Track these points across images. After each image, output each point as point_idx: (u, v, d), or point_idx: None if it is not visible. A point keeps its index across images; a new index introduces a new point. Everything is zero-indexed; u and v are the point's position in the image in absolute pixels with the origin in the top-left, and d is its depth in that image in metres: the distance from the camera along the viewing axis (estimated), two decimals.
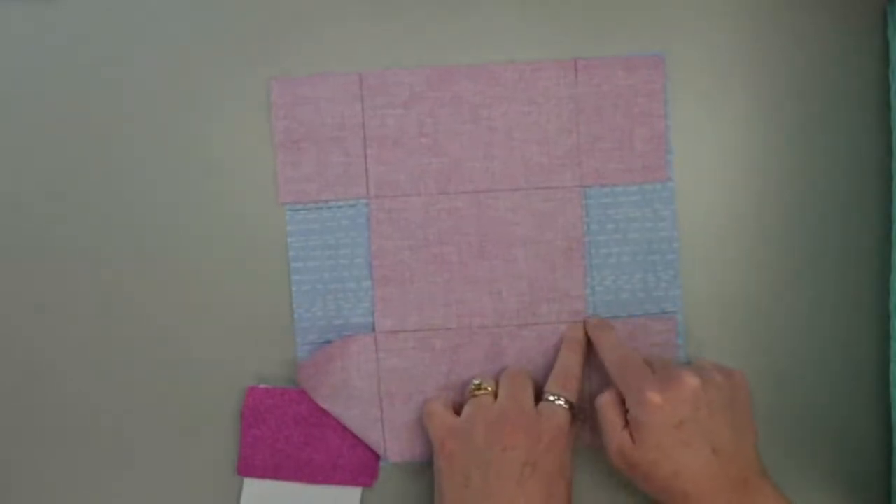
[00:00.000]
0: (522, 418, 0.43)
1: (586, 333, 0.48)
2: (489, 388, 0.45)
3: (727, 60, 0.48)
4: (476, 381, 0.46)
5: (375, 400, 0.48)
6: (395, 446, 0.48)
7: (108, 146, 0.48)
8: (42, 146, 0.48)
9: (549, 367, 0.48)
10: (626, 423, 0.42)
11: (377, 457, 0.48)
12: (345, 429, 0.47)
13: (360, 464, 0.47)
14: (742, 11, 0.48)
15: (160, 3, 0.48)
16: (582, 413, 0.47)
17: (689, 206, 0.49)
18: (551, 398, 0.44)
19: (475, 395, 0.45)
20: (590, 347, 0.47)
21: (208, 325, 0.48)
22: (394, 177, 0.48)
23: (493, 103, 0.48)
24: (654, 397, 0.41)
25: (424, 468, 0.48)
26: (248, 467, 0.47)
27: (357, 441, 0.48)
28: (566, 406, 0.44)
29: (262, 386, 0.48)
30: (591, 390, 0.48)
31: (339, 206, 0.48)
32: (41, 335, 0.48)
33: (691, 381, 0.41)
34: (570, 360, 0.46)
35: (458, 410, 0.46)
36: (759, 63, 0.48)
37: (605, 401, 0.44)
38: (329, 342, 0.48)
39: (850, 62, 0.48)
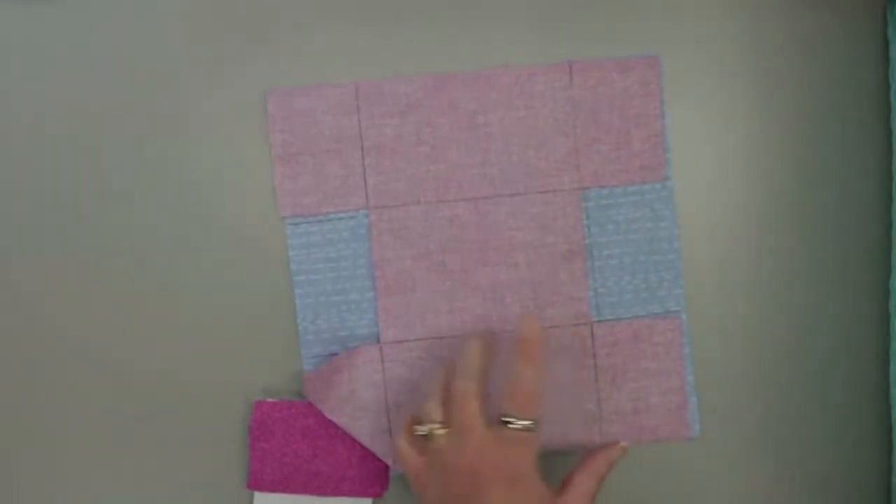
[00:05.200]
0: (491, 464, 0.39)
1: (539, 332, 0.43)
2: (437, 425, 0.41)
3: (725, 61, 0.48)
4: (423, 430, 0.41)
5: (383, 410, 0.48)
6: None
7: (107, 149, 0.48)
8: (40, 148, 0.48)
9: (553, 373, 0.48)
10: None
11: (386, 467, 0.48)
12: (353, 440, 0.47)
13: (370, 474, 0.47)
14: (741, 12, 0.48)
15: (158, 7, 0.48)
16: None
17: (689, 205, 0.49)
18: (512, 425, 0.40)
19: (429, 440, 0.41)
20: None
21: (213, 341, 0.48)
22: (393, 186, 0.48)
23: (490, 109, 0.48)
24: None
25: None
26: (257, 481, 0.47)
27: (366, 452, 0.48)
28: (530, 428, 0.40)
29: (268, 399, 0.48)
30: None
31: (340, 218, 0.48)
32: (44, 347, 0.48)
33: None
34: (526, 373, 0.41)
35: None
36: (759, 63, 0.48)
37: None
38: (334, 354, 0.48)
39: (850, 62, 0.48)
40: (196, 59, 0.48)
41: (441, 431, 0.41)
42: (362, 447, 0.47)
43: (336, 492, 0.47)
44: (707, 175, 0.49)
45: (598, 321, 0.48)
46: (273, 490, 0.47)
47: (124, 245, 0.48)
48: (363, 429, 0.47)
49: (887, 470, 0.49)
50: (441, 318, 0.48)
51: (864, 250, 0.49)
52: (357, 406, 0.47)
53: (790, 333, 0.49)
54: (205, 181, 0.48)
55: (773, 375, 0.49)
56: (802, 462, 0.49)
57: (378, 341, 0.48)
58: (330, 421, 0.47)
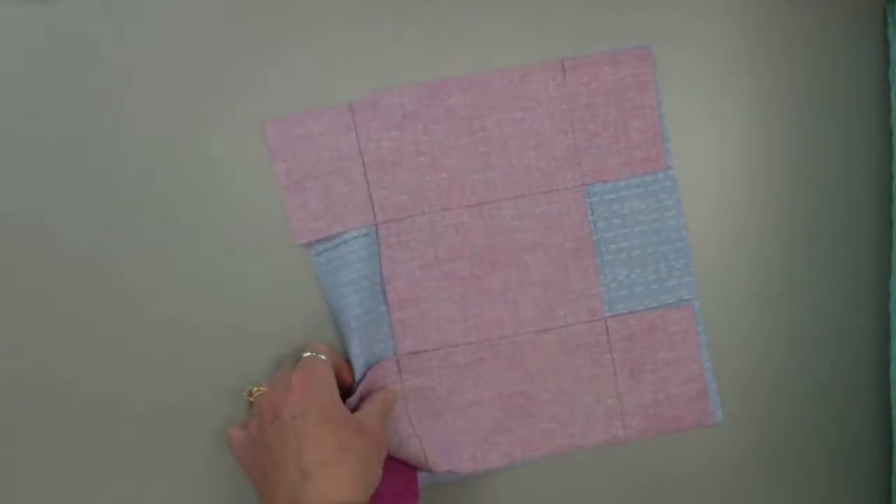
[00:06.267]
0: (295, 384, 0.42)
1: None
2: (263, 386, 0.44)
3: (726, 62, 0.48)
4: (250, 397, 0.45)
5: (405, 419, 0.48)
6: (436, 457, 0.47)
7: (107, 152, 0.47)
8: (40, 148, 0.47)
9: (573, 370, 0.48)
10: None
11: (416, 480, 0.48)
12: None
13: (400, 488, 0.47)
14: (742, 12, 0.48)
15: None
16: None
17: (692, 193, 0.49)
18: (305, 354, 0.44)
19: (253, 402, 0.44)
20: None
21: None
22: (396, 199, 0.48)
23: (486, 114, 0.48)
24: None
25: (463, 485, 0.48)
26: None
27: (393, 464, 0.47)
28: (316, 356, 0.44)
29: None
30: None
31: (354, 238, 0.47)
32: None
33: None
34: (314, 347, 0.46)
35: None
36: (759, 65, 0.49)
37: None
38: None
39: (850, 62, 0.49)
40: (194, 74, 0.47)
41: (263, 388, 0.44)
42: (391, 462, 0.47)
43: None
44: (709, 164, 0.49)
45: (612, 316, 0.48)
46: None
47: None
48: (390, 439, 0.47)
49: (887, 470, 0.49)
50: (455, 325, 0.48)
51: (864, 250, 0.49)
52: None
53: (789, 335, 0.49)
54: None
55: (768, 377, 0.49)
56: (801, 464, 0.49)
57: (394, 354, 0.48)
58: None
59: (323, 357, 0.44)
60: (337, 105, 0.47)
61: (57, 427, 0.48)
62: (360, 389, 0.46)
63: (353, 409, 0.46)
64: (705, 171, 0.49)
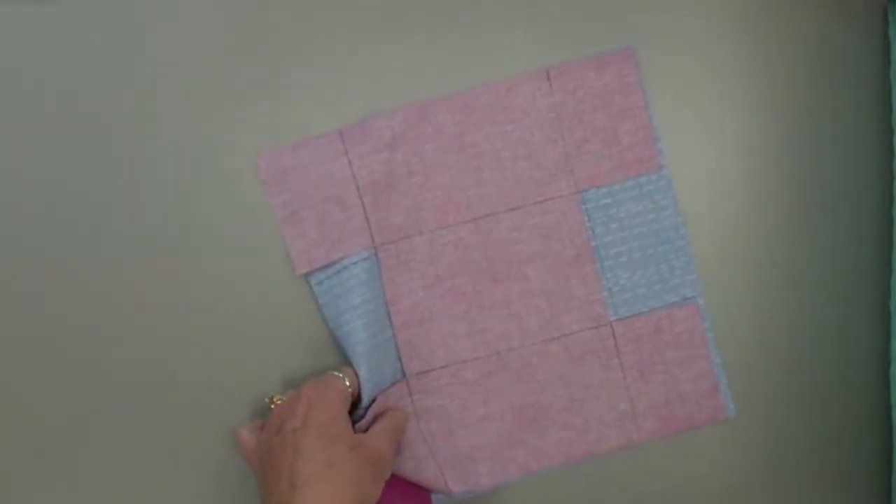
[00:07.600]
0: (309, 392, 0.43)
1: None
2: (282, 397, 0.45)
3: (725, 60, 0.48)
4: (272, 404, 0.46)
5: (420, 440, 0.48)
6: (454, 477, 0.47)
7: (108, 144, 0.48)
8: (40, 149, 0.47)
9: (582, 377, 0.48)
10: None
11: (429, 501, 0.48)
12: (393, 480, 0.47)
13: None
14: (741, 10, 0.48)
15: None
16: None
17: (693, 193, 0.48)
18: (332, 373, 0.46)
19: (271, 409, 0.45)
20: None
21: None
22: (393, 220, 0.48)
23: (475, 129, 0.48)
24: None
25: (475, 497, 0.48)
26: None
27: (407, 487, 0.47)
28: (338, 375, 0.45)
29: None
30: None
31: (354, 263, 0.47)
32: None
33: None
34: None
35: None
36: (759, 65, 0.48)
37: None
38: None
39: (850, 62, 0.48)
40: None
41: (283, 397, 0.45)
42: (404, 485, 0.47)
43: None
44: (709, 164, 0.48)
45: (617, 319, 0.48)
46: None
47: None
48: (406, 462, 0.47)
49: (887, 470, 0.49)
50: (461, 341, 0.48)
51: (864, 250, 0.49)
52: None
53: (789, 335, 0.49)
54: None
55: (767, 376, 0.49)
56: (801, 464, 0.49)
57: (403, 376, 0.48)
58: None
59: (340, 375, 0.45)
60: (326, 132, 0.47)
61: (57, 427, 0.48)
62: (372, 412, 0.47)
63: (365, 431, 0.46)
64: (706, 171, 0.49)
